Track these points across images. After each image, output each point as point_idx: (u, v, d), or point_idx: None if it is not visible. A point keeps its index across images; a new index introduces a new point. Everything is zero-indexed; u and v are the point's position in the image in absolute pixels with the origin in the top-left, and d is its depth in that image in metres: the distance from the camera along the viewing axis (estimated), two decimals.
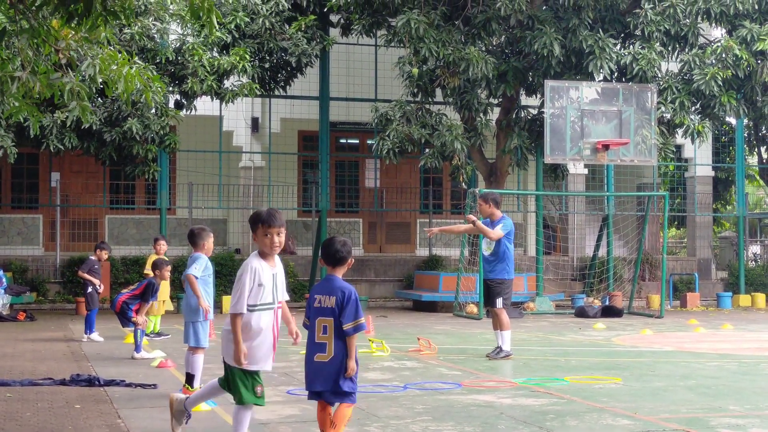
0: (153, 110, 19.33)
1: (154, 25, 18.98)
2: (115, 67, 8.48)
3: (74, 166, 25.34)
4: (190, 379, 8.90)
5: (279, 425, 7.50)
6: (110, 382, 9.64)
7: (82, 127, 18.54)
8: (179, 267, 18.39)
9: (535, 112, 22.58)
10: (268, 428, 7.38)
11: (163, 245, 15.18)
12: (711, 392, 9.39)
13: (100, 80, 8.72)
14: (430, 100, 21.58)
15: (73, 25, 7.84)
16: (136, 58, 10.22)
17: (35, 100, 9.24)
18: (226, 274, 22.14)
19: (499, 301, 12.33)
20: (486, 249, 12.60)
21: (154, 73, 9.30)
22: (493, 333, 12.58)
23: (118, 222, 26.08)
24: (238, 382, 6.26)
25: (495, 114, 22.69)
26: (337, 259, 6.39)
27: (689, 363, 12.04)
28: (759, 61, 20.97)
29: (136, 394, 9.09)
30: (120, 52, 9.01)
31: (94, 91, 12.44)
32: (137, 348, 12.19)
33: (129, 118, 19.10)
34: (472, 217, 12.97)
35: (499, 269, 12.41)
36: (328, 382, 6.23)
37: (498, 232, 12.31)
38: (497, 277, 12.40)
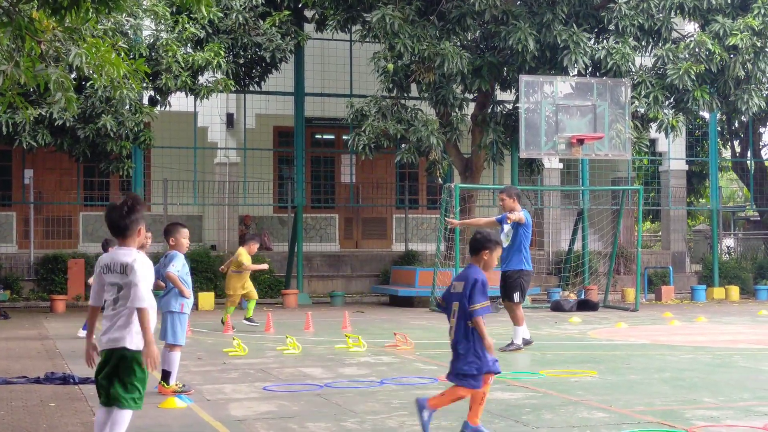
0: (127, 106, 19.22)
1: (127, 20, 18.85)
2: (98, 55, 8.46)
3: (48, 162, 25.18)
4: (166, 376, 8.87)
5: (255, 422, 7.49)
6: (85, 380, 9.59)
7: (56, 123, 18.43)
8: (154, 263, 18.30)
9: (510, 107, 22.62)
10: (244, 425, 7.36)
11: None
12: (685, 385, 9.45)
13: (88, 70, 8.69)
14: (405, 95, 21.57)
15: (58, 17, 7.80)
16: (121, 42, 10.18)
17: (20, 90, 9.19)
18: (201, 270, 22.07)
19: (516, 296, 12.44)
20: (504, 241, 12.64)
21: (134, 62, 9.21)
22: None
23: (93, 219, 25.92)
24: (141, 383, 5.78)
25: (470, 109, 22.73)
26: (473, 248, 6.88)
27: (664, 356, 12.11)
28: (732, 56, 21.10)
29: None
30: (103, 39, 8.98)
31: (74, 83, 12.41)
32: None
33: (103, 115, 18.98)
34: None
35: (516, 260, 12.51)
36: (453, 363, 6.66)
37: (519, 214, 12.38)
38: (514, 268, 12.49)
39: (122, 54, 8.88)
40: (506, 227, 12.60)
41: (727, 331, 16.10)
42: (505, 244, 12.64)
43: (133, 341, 5.66)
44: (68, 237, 24.93)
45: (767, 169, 34.00)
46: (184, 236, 9.21)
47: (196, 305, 18.88)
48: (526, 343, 12.56)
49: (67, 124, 18.81)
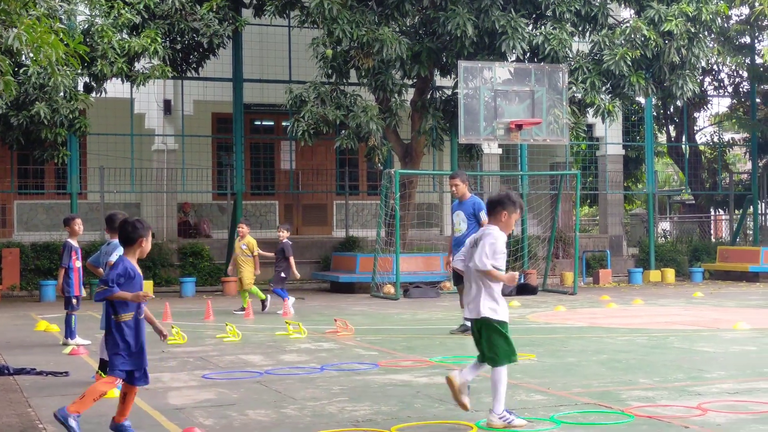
0: (61, 93, 18.90)
1: (60, 6, 18.48)
2: (36, 36, 8.31)
3: None
4: (103, 365, 8.76)
5: (194, 410, 7.44)
6: (20, 371, 9.43)
7: None
8: (91, 252, 18.06)
9: (449, 92, 22.69)
10: (183, 413, 7.31)
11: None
12: (622, 366, 9.58)
13: (27, 51, 8.52)
14: (344, 81, 21.53)
15: None
16: (59, 24, 10.00)
17: None
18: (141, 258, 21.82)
19: None
20: (457, 231, 12.49)
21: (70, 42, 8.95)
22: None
23: (27, 207, 25.51)
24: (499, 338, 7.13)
25: (410, 95, 22.75)
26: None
27: (601, 338, 12.27)
28: (666, 42, 21.39)
29: (47, 383, 8.92)
30: (39, 19, 8.82)
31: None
32: (71, 334, 11.84)
33: (36, 102, 18.65)
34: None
35: None
36: None
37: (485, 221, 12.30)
38: None
39: (60, 35, 8.73)
40: (457, 216, 12.51)
41: (662, 313, 16.35)
42: (458, 234, 12.53)
43: (488, 310, 7.24)
44: (2, 226, 24.50)
45: (701, 153, 34.60)
46: None
47: None
48: (465, 329, 12.59)
49: (0, 111, 18.45)
